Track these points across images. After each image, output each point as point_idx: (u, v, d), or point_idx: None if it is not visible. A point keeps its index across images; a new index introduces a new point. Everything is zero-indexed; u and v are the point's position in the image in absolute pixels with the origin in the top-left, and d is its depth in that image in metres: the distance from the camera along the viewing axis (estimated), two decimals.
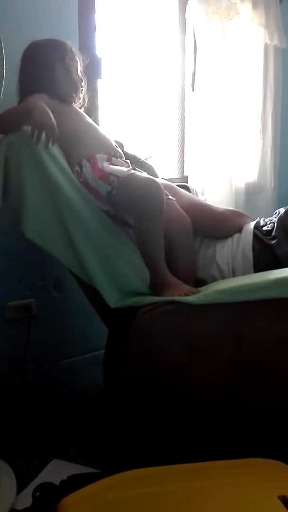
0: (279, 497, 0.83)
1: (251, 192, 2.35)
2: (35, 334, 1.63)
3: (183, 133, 2.22)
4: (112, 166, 1.30)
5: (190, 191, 1.76)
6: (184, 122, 2.21)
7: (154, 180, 1.23)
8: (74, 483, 1.01)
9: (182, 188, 1.67)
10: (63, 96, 1.39)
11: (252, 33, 2.25)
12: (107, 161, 1.32)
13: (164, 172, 2.06)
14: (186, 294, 1.16)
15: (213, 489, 0.90)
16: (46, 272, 1.68)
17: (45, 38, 1.41)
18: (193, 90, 2.15)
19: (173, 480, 0.96)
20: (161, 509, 0.86)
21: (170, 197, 1.41)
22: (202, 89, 2.09)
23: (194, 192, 1.87)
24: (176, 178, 2.17)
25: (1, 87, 1.39)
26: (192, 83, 2.14)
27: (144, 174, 1.29)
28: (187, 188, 1.76)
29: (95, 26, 1.76)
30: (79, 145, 1.35)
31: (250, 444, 1.15)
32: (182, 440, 1.17)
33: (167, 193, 1.38)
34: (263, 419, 1.16)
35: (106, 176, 1.27)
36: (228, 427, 1.17)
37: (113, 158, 1.34)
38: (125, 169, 1.30)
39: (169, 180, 2.09)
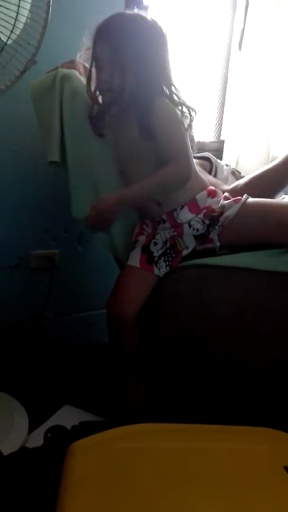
0: (285, 467, 0.83)
1: None
2: (56, 285, 1.65)
3: (224, 94, 2.13)
4: None
5: (211, 163, 1.66)
6: (226, 83, 2.11)
7: None
8: (84, 429, 1.04)
9: (202, 159, 1.59)
10: None
11: None
12: None
13: (200, 135, 1.99)
14: None
15: (219, 452, 0.91)
16: (72, 225, 1.68)
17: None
18: (240, 50, 2.03)
19: (180, 438, 0.97)
20: (162, 464, 0.88)
21: None
22: (250, 49, 1.98)
23: (214, 166, 1.75)
24: (212, 142, 2.10)
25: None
26: (239, 42, 2.02)
27: None
28: (208, 160, 1.66)
29: None
30: None
31: (257, 413, 1.16)
32: (193, 402, 1.19)
33: None
34: (272, 390, 1.17)
35: None
36: (238, 394, 1.18)
37: None
38: None
39: (203, 143, 2.01)
